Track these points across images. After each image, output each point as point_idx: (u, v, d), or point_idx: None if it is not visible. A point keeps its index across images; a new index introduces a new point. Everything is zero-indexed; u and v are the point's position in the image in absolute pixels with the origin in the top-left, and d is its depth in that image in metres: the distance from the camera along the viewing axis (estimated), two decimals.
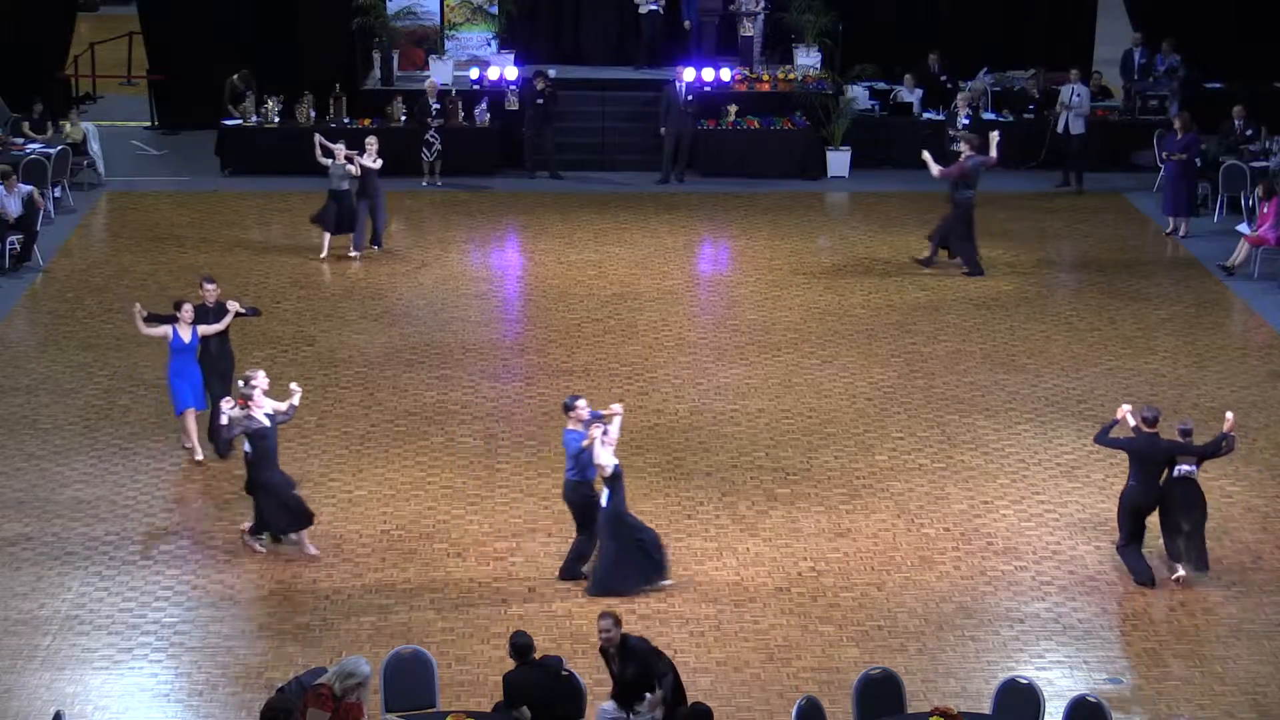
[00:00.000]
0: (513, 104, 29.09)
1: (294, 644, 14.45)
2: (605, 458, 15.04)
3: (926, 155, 24.35)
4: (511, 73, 29.76)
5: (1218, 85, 30.81)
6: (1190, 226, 26.13)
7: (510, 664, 12.38)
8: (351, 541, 16.22)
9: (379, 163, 24.30)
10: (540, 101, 28.63)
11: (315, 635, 14.61)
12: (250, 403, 15.66)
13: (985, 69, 30.67)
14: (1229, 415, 15.77)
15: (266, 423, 15.70)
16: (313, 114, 28.94)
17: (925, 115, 29.50)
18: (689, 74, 29.04)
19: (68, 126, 28.26)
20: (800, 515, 16.86)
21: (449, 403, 19.60)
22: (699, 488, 17.42)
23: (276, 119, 29.11)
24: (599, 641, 12.81)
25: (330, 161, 24.28)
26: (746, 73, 30.55)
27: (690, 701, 12.74)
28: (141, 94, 33.07)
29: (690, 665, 13.81)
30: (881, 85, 30.40)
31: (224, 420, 15.77)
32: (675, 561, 15.65)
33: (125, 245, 25.40)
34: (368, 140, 24.52)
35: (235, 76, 29.56)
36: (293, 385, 16.23)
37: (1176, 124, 26.38)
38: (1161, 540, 15.68)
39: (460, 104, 29.02)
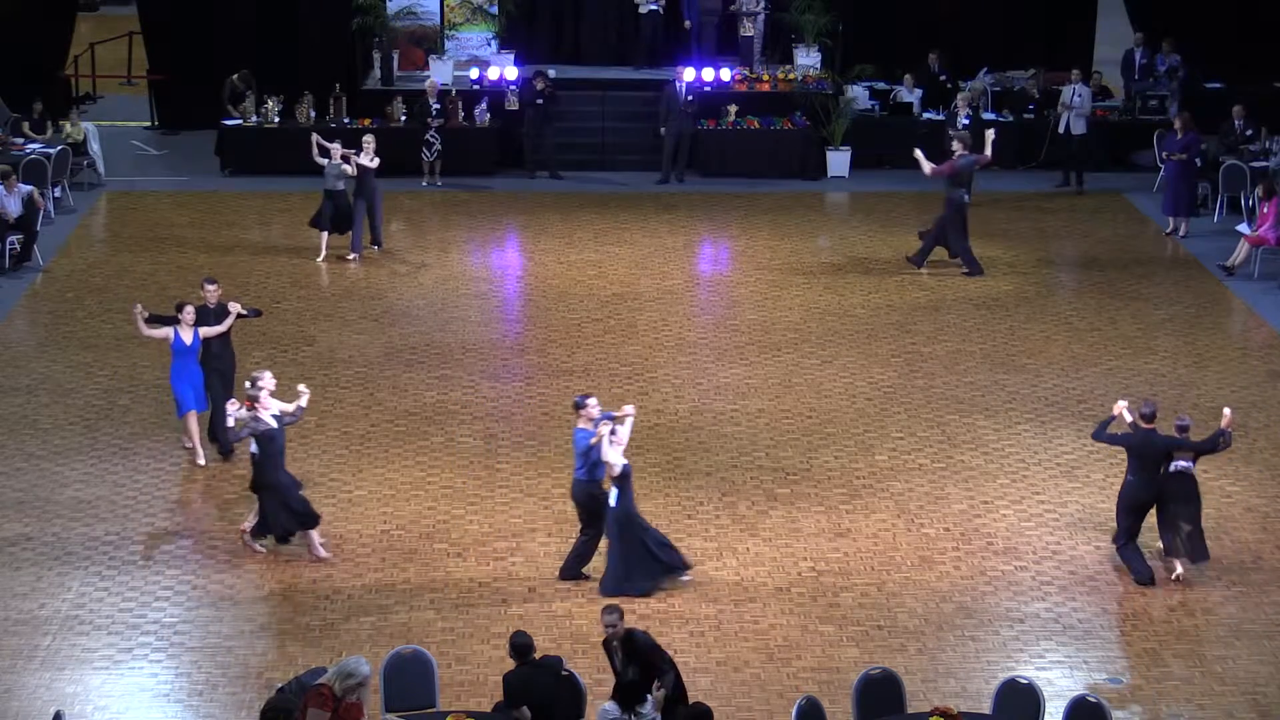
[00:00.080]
0: (513, 104, 29.09)
1: (294, 644, 14.45)
2: (614, 456, 15.04)
3: (919, 153, 24.34)
4: (511, 73, 29.77)
5: (1218, 85, 30.82)
6: (1190, 226, 26.14)
7: (510, 664, 12.38)
8: (351, 541, 16.22)
9: (376, 161, 24.28)
10: (540, 101, 28.64)
11: (315, 635, 14.61)
12: (257, 404, 15.63)
13: (985, 69, 30.68)
14: (1226, 411, 15.82)
15: (274, 424, 15.67)
16: (313, 114, 28.95)
17: (925, 115, 29.51)
18: (689, 74, 29.04)
19: (68, 126, 28.26)
20: (800, 515, 16.86)
21: (449, 403, 19.60)
22: (699, 488, 17.43)
23: (276, 119, 29.11)
24: (603, 634, 12.83)
25: (326, 161, 24.26)
26: (746, 73, 30.55)
27: (690, 701, 12.76)
28: (141, 94, 33.07)
29: (690, 665, 13.81)
30: (881, 85, 30.41)
31: (231, 422, 15.73)
32: None
33: (125, 245, 25.40)
34: (365, 139, 24.50)
35: (235, 76, 29.57)
36: (301, 387, 16.21)
37: (1176, 124, 26.38)
38: (1158, 537, 15.69)
39: (460, 104, 29.03)
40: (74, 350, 21.07)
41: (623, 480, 15.10)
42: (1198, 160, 26.23)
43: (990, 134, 25.10)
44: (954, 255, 24.30)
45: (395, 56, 30.43)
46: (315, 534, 15.90)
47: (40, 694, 13.67)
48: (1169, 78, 30.39)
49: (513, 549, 16.14)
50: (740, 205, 27.73)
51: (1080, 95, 28.33)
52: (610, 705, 11.94)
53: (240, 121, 29.30)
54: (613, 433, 15.07)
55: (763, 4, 30.91)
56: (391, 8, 30.45)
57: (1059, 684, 13.82)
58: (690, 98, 28.81)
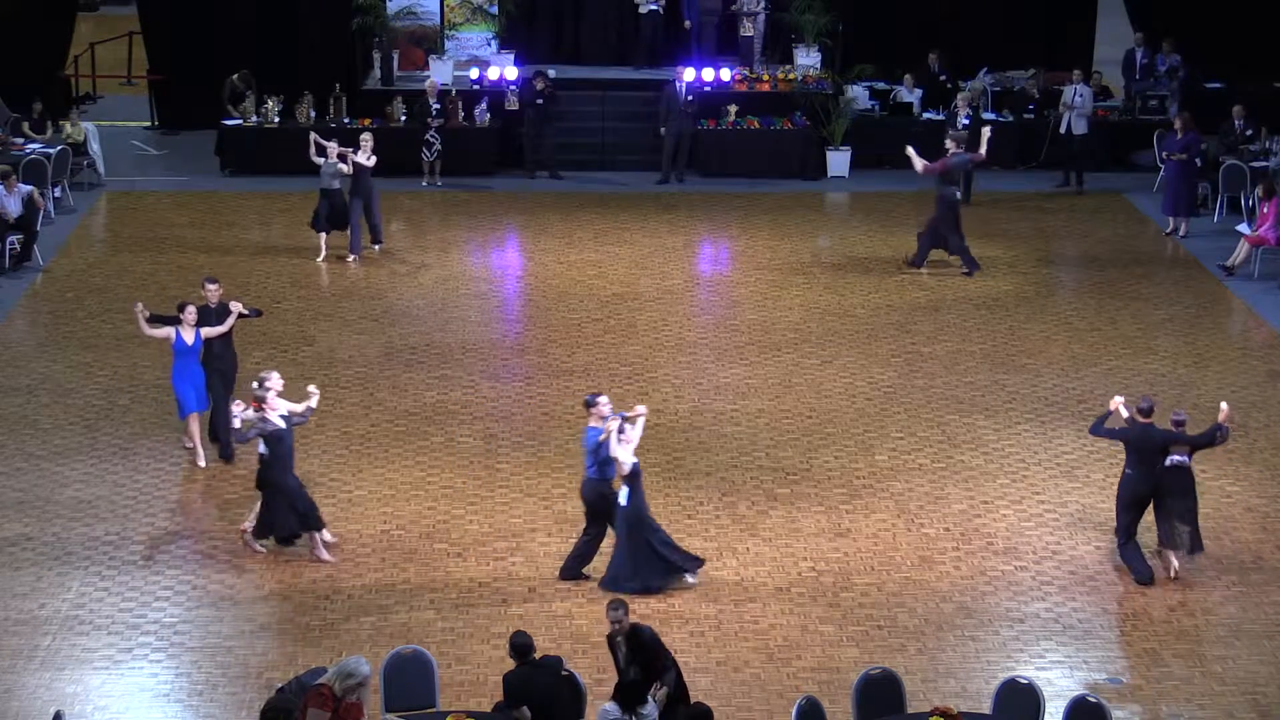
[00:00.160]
0: (513, 104, 29.09)
1: (294, 644, 14.45)
2: (623, 454, 15.04)
3: (911, 150, 24.33)
4: (511, 73, 29.77)
5: (1218, 85, 30.82)
6: (1190, 226, 26.14)
7: (510, 664, 12.38)
8: (351, 541, 16.22)
9: (373, 160, 24.24)
10: (540, 101, 28.64)
11: (315, 635, 14.61)
12: (264, 405, 15.61)
13: (985, 69, 30.68)
14: (1224, 406, 15.86)
15: (282, 425, 15.64)
16: (313, 114, 28.95)
17: (925, 115, 29.51)
18: (689, 74, 29.04)
19: (68, 126, 28.26)
20: (800, 515, 16.86)
21: (449, 403, 19.60)
22: (699, 488, 17.43)
23: (276, 119, 29.11)
24: (608, 628, 12.84)
25: (323, 160, 24.25)
26: (746, 73, 30.55)
27: (691, 701, 12.78)
28: (141, 94, 33.07)
29: (690, 665, 13.80)
30: (881, 85, 30.42)
31: (237, 424, 15.68)
32: None
33: (125, 245, 25.40)
34: (362, 137, 24.47)
35: (235, 76, 29.57)
36: (311, 388, 16.20)
37: (1176, 124, 26.38)
38: (1156, 532, 15.71)
39: (460, 104, 29.03)
40: (74, 350, 21.07)
41: (633, 479, 15.10)
42: (1198, 160, 26.23)
43: (986, 131, 25.13)
44: (952, 252, 24.29)
45: (395, 56, 30.43)
46: (320, 536, 15.89)
47: (40, 694, 13.67)
48: (1169, 78, 30.39)
49: (513, 549, 16.14)
50: (740, 205, 27.73)
51: (1081, 95, 28.33)
52: (611, 705, 11.94)
53: (240, 121, 29.30)
54: (621, 430, 15.06)
55: (763, 4, 30.91)
56: (391, 8, 30.46)
57: (1059, 684, 13.82)
58: (690, 98, 28.81)
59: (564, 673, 12.54)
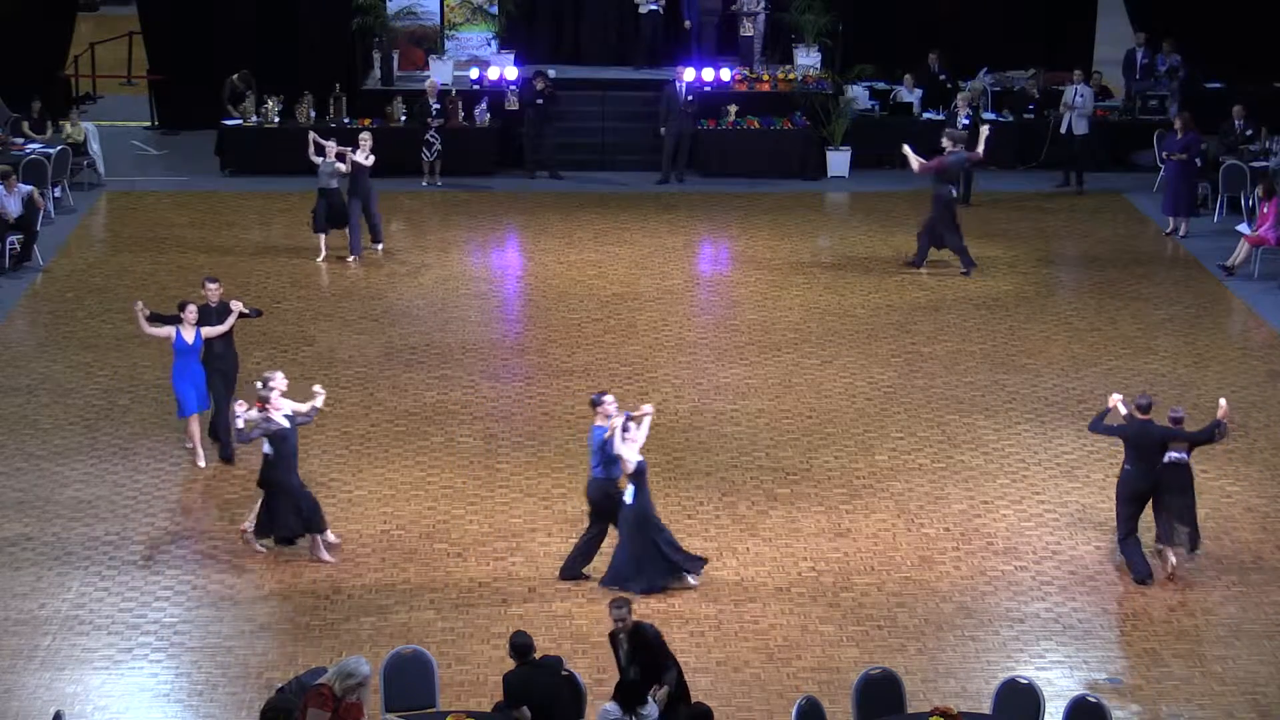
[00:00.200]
0: (513, 104, 29.09)
1: (294, 644, 14.45)
2: (627, 452, 15.04)
3: (907, 149, 24.32)
4: (511, 73, 29.77)
5: (1218, 85, 30.83)
6: (1190, 226, 26.14)
7: (510, 664, 12.38)
8: (351, 541, 16.22)
9: (371, 159, 24.20)
10: (540, 101, 28.64)
11: (315, 635, 14.61)
12: (268, 405, 15.60)
13: (985, 69, 30.68)
14: (1222, 402, 15.90)
15: (286, 424, 15.63)
16: (313, 114, 28.94)
17: (925, 115, 29.50)
18: (689, 74, 29.04)
19: (68, 126, 28.26)
20: (800, 515, 16.86)
21: (449, 403, 19.60)
22: (699, 488, 17.42)
23: (276, 119, 29.10)
24: (611, 625, 12.86)
25: (321, 159, 24.23)
26: (746, 73, 30.55)
27: (692, 700, 12.78)
28: (141, 94, 33.08)
29: (690, 665, 13.80)
30: (881, 85, 30.42)
31: (240, 424, 15.67)
32: None
33: (125, 245, 25.41)
34: (361, 136, 24.45)
35: (235, 76, 29.57)
36: (316, 388, 16.19)
37: (1176, 124, 26.38)
38: (1154, 528, 15.74)
39: (460, 104, 29.03)
40: (74, 350, 21.07)
41: (638, 477, 15.10)
42: (1198, 160, 26.23)
43: (985, 130, 25.14)
44: (953, 251, 24.27)
45: (395, 56, 30.43)
46: (322, 538, 15.88)
47: (40, 694, 13.67)
48: (1169, 78, 30.39)
49: (513, 549, 16.14)
50: (740, 205, 27.73)
51: (1083, 95, 28.33)
52: (611, 706, 11.94)
53: (240, 121, 29.30)
54: (625, 429, 15.06)
55: (763, 4, 30.91)
56: (391, 8, 30.46)
57: (1059, 684, 13.82)
58: (690, 98, 28.81)
59: (564, 673, 12.54)
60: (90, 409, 19.29)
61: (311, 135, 24.76)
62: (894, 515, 16.89)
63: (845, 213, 28.08)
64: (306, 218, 24.82)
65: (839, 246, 25.77)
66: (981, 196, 27.86)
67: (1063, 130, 28.64)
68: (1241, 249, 24.14)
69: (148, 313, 17.79)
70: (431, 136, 28.27)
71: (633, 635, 12.76)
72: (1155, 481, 15.57)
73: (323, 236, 24.48)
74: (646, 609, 14.88)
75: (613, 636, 12.93)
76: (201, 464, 17.80)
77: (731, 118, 29.31)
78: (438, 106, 28.35)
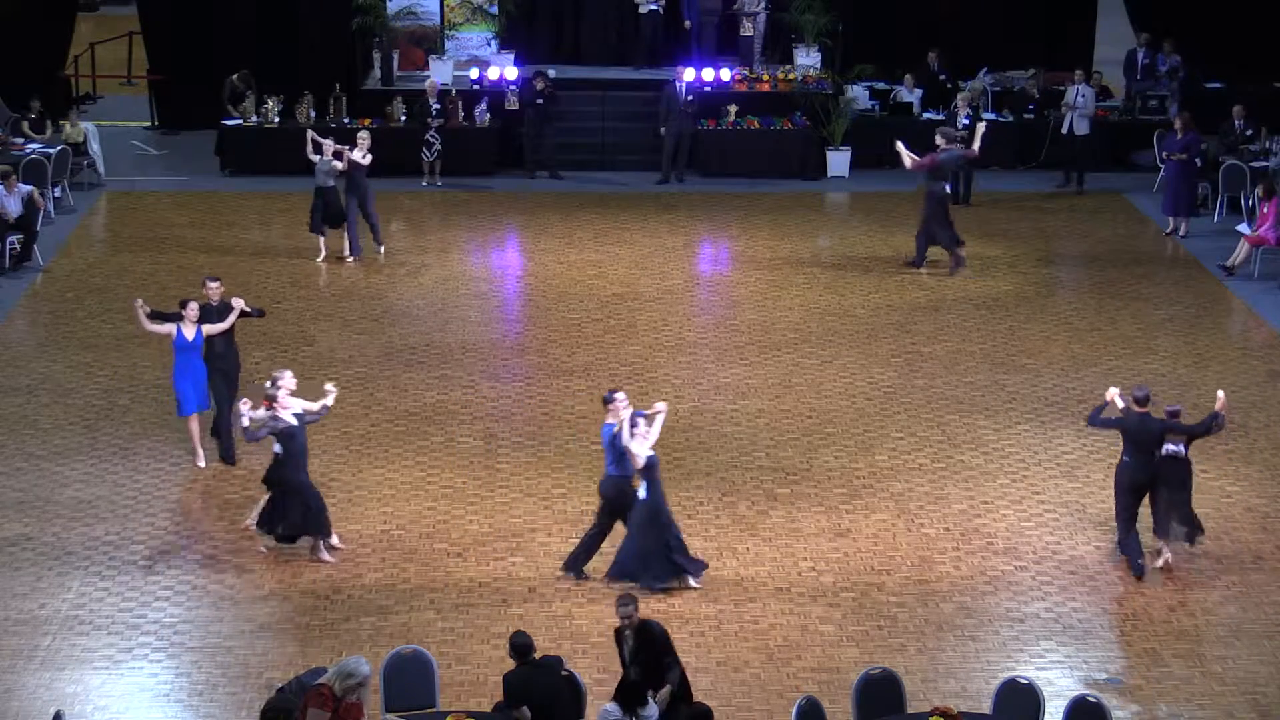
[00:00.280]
0: (513, 104, 29.09)
1: (294, 644, 14.45)
2: (637, 447, 15.04)
3: (900, 146, 24.31)
4: (511, 73, 29.77)
5: (1218, 85, 30.83)
6: (1190, 226, 26.14)
7: (510, 664, 12.38)
8: (351, 541, 16.22)
9: (368, 159, 24.15)
10: (540, 101, 28.64)
11: (315, 635, 14.61)
12: (275, 404, 15.59)
13: (985, 69, 30.68)
14: (1220, 394, 15.94)
15: (294, 422, 15.63)
16: (313, 114, 28.93)
17: (925, 115, 29.50)
18: (689, 74, 29.04)
19: (68, 127, 28.27)
20: (800, 515, 16.86)
21: (449, 403, 19.60)
22: (699, 488, 17.42)
23: (276, 119, 29.10)
24: (617, 621, 12.87)
25: (319, 158, 24.21)
26: (746, 73, 30.55)
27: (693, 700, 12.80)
28: (141, 94, 33.07)
29: (690, 665, 13.79)
30: (881, 85, 30.42)
31: (245, 422, 15.65)
32: None
33: (125, 245, 25.41)
34: (359, 135, 24.41)
35: (235, 76, 29.57)
36: (328, 385, 16.18)
37: (1176, 124, 26.38)
38: (1152, 523, 15.79)
39: (460, 104, 29.02)
40: (74, 350, 21.07)
41: (649, 472, 15.10)
42: (1198, 160, 26.23)
43: (981, 126, 25.15)
44: (945, 247, 24.22)
45: (395, 56, 30.43)
46: (324, 541, 15.88)
47: (40, 694, 13.67)
48: (1169, 78, 30.39)
49: (513, 549, 16.14)
50: (740, 205, 27.73)
51: (1084, 96, 28.32)
52: (612, 706, 11.94)
53: (240, 121, 29.30)
54: (634, 424, 15.06)
55: (763, 4, 30.91)
56: (391, 8, 30.46)
57: (1059, 684, 13.82)
58: (690, 98, 28.81)
59: (564, 673, 12.54)
60: (90, 409, 19.29)
61: (309, 133, 24.75)
62: (894, 515, 16.89)
63: (845, 213, 28.08)
64: (306, 218, 24.81)
65: (839, 246, 25.77)
66: (981, 196, 27.86)
67: (1064, 130, 28.62)
68: (1241, 249, 24.14)
69: (148, 310, 17.77)
70: (431, 136, 28.26)
71: (639, 632, 12.77)
72: (1153, 474, 15.61)
73: (321, 237, 24.48)
74: (645, 608, 14.84)
75: (618, 633, 12.94)
76: (201, 464, 17.79)
77: (731, 118, 29.31)
78: (438, 106, 28.35)
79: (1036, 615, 15.07)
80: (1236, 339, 22.14)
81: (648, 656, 12.69)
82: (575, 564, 15.57)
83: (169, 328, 17.60)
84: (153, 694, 13.76)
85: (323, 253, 24.52)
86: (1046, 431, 18.87)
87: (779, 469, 17.92)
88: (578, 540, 15.76)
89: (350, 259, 24.45)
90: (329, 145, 24.25)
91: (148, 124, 32.14)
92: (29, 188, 24.42)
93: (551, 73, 29.61)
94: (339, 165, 24.04)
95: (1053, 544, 16.32)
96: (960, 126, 26.82)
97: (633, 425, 15.07)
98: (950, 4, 31.35)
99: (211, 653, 14.31)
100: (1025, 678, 12.74)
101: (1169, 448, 15.59)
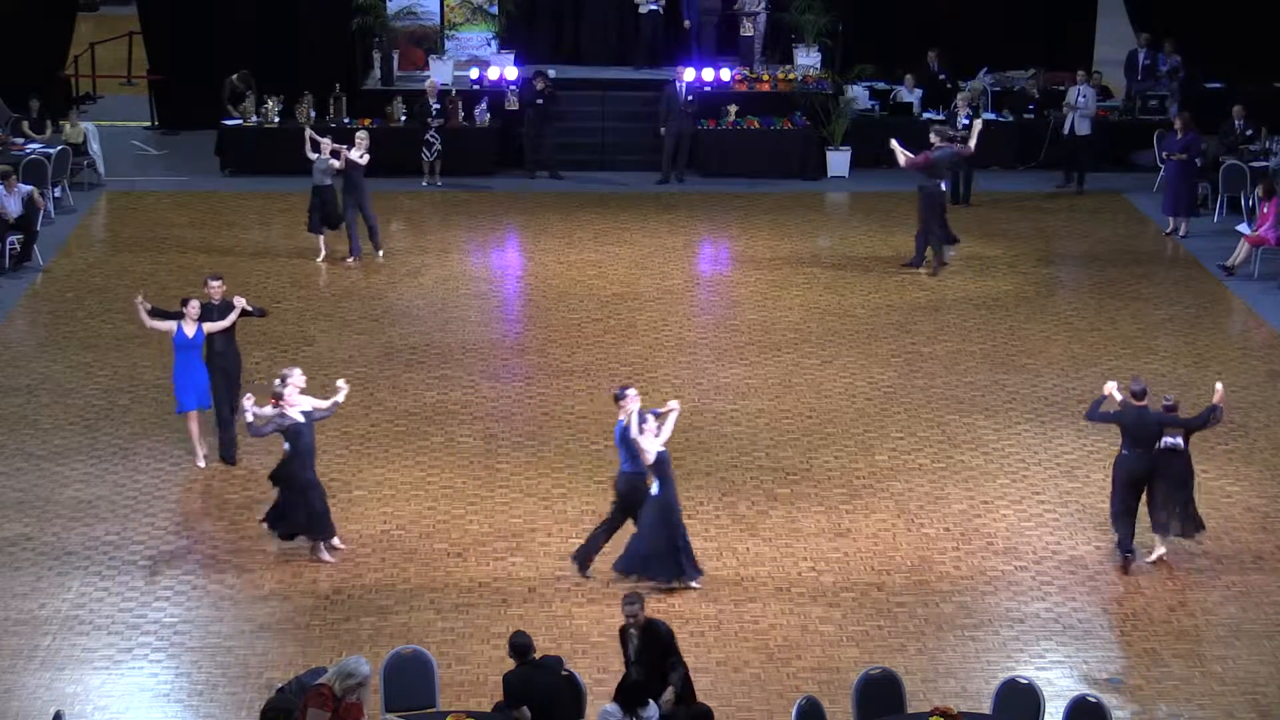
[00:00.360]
0: (513, 104, 29.09)
1: (294, 644, 14.45)
2: (646, 442, 15.05)
3: (895, 144, 24.29)
4: (511, 73, 29.77)
5: (1218, 85, 30.83)
6: (1190, 226, 26.14)
7: (510, 664, 12.38)
8: (351, 541, 16.22)
9: (366, 159, 24.12)
10: (540, 101, 28.64)
11: (315, 635, 14.61)
12: (282, 401, 15.59)
13: (985, 69, 30.68)
14: (1218, 386, 15.95)
15: (300, 419, 15.63)
16: (313, 114, 28.91)
17: (925, 115, 29.49)
18: (689, 74, 29.04)
19: (67, 127, 28.26)
20: (800, 515, 16.86)
21: (449, 403, 19.60)
22: (699, 488, 17.42)
23: (276, 119, 29.10)
24: (620, 620, 12.88)
25: (316, 156, 24.20)
26: (746, 73, 30.55)
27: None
28: (141, 94, 33.07)
29: (690, 665, 13.76)
30: (881, 85, 30.42)
31: (250, 417, 15.66)
32: None
33: (125, 245, 25.40)
34: (358, 135, 24.37)
35: (235, 76, 29.57)
36: (339, 382, 16.18)
37: (1176, 124, 26.38)
38: (1149, 519, 15.84)
39: (460, 104, 29.02)
40: (74, 350, 21.07)
41: (659, 467, 15.10)
42: (1198, 160, 26.23)
43: (978, 124, 25.17)
44: (932, 245, 24.21)
45: (395, 56, 30.43)
46: (325, 543, 15.88)
47: (40, 694, 13.67)
48: (1170, 78, 30.39)
49: (513, 549, 16.14)
50: (740, 205, 27.73)
51: (1085, 96, 28.32)
52: (612, 706, 11.94)
53: (240, 121, 29.30)
54: (643, 419, 15.06)
55: (763, 4, 30.90)
56: (391, 8, 30.45)
57: (1059, 684, 13.82)
58: (690, 98, 28.81)
59: (564, 673, 12.54)
60: (90, 409, 19.29)
61: (308, 132, 24.74)
62: (894, 515, 16.89)
63: (845, 213, 28.08)
64: (305, 218, 24.81)
65: (839, 246, 25.77)
66: (981, 196, 27.86)
67: (1065, 131, 28.61)
68: (1241, 249, 24.14)
69: (149, 306, 17.75)
70: (431, 136, 28.26)
71: (645, 631, 12.78)
72: (1151, 467, 15.62)
73: (320, 236, 24.47)
74: (645, 607, 14.88)
75: (623, 631, 12.95)
76: (201, 464, 17.79)
77: (731, 118, 29.30)
78: (438, 106, 28.35)
79: (1036, 615, 15.07)
80: (1236, 339, 22.14)
81: (652, 656, 12.70)
82: (583, 555, 15.59)
83: (169, 325, 17.57)
84: (153, 694, 13.76)
85: (322, 252, 24.52)
86: (1046, 431, 18.86)
87: (779, 469, 17.92)
88: (579, 539, 15.77)
89: (350, 260, 24.44)
90: (326, 144, 24.24)
91: (148, 124, 32.14)
92: (29, 188, 24.42)
93: (551, 73, 29.61)
94: (336, 164, 24.03)
95: (1053, 544, 16.32)
96: (960, 126, 26.82)
97: (642, 421, 15.08)
98: (950, 4, 31.35)
99: (211, 653, 14.31)
100: (1025, 678, 12.75)
101: (1167, 440, 15.62)
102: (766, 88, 30.36)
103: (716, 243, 26.21)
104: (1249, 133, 27.58)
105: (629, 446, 15.23)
